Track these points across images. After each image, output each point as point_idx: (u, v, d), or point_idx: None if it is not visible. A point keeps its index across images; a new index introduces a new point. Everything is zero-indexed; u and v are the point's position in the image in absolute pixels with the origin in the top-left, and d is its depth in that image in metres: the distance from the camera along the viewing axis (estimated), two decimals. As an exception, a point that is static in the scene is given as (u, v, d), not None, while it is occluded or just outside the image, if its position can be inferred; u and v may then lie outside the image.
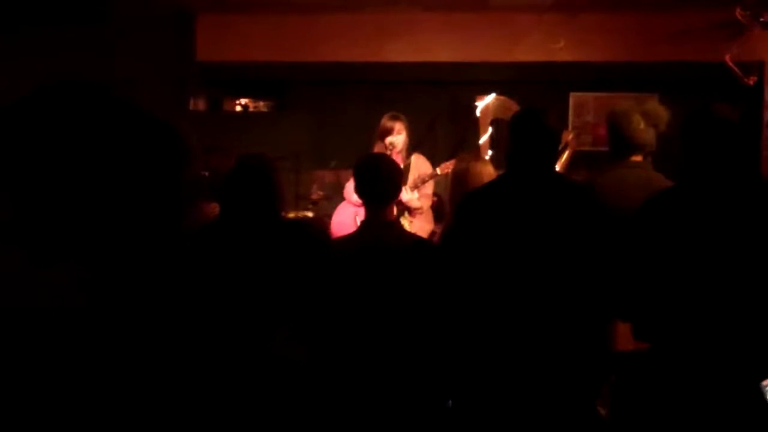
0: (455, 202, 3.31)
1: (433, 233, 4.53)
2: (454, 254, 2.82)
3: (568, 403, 2.65)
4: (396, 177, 2.95)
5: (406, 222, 4.64)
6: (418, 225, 4.65)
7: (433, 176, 4.67)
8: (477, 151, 5.03)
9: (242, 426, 2.34)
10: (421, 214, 4.69)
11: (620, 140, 3.36)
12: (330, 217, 5.00)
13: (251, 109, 6.55)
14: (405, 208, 4.67)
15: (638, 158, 3.34)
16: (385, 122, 4.67)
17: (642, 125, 3.32)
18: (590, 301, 2.69)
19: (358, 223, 3.10)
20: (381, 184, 2.88)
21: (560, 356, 2.66)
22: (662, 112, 3.40)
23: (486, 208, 2.81)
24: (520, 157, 2.80)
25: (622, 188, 3.19)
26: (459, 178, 3.78)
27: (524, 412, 2.67)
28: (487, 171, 3.70)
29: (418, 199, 4.67)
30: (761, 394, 2.42)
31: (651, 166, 3.37)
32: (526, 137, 2.78)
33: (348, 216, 4.71)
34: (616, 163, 3.37)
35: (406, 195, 4.57)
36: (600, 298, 2.71)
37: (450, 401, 2.89)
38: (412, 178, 4.71)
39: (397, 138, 4.63)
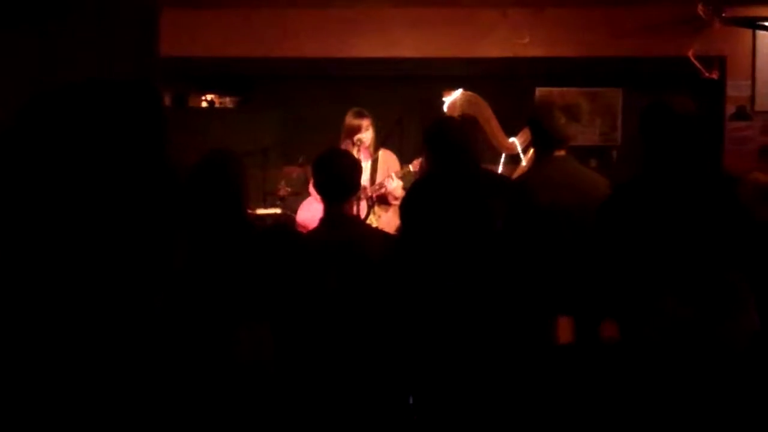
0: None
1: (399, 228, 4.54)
2: (402, 253, 2.87)
3: (516, 395, 2.68)
4: (354, 173, 2.97)
5: (374, 217, 4.64)
6: (387, 219, 4.65)
7: (406, 171, 4.67)
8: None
9: (210, 420, 2.32)
10: (396, 205, 4.67)
11: (543, 136, 3.39)
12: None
13: (217, 105, 6.49)
14: (378, 200, 4.67)
15: (561, 153, 3.37)
16: (351, 120, 4.66)
17: (563, 120, 3.36)
18: (525, 296, 2.73)
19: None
20: (339, 180, 2.90)
21: (505, 350, 2.69)
22: (582, 106, 3.46)
23: (418, 206, 2.88)
24: (440, 161, 3.07)
25: (551, 184, 3.23)
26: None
27: (478, 405, 2.69)
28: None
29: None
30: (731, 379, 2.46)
31: (574, 159, 3.41)
32: (442, 145, 3.04)
33: (315, 211, 4.69)
34: (541, 159, 3.40)
35: (392, 183, 4.57)
36: (538, 292, 2.75)
37: (411, 397, 2.90)
38: (381, 173, 4.71)
39: (366, 134, 4.64)
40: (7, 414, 1.20)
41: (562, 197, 3.06)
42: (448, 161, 3.03)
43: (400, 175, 4.66)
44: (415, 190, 3.05)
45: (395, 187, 4.61)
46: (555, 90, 6.05)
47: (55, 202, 1.24)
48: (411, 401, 2.92)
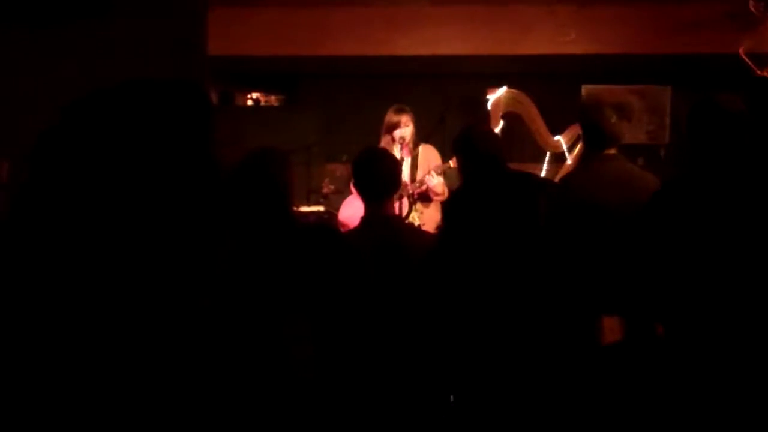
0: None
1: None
2: (445, 253, 2.87)
3: (562, 396, 2.66)
4: (395, 171, 2.97)
5: (416, 213, 4.64)
6: (429, 215, 4.64)
7: (446, 168, 4.66)
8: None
9: (250, 420, 2.34)
10: (441, 200, 4.66)
11: (594, 134, 3.36)
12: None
13: (262, 103, 6.55)
14: (420, 197, 4.67)
15: (612, 151, 3.34)
16: (392, 116, 4.67)
17: (614, 118, 3.32)
18: (575, 296, 2.70)
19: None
20: (380, 179, 2.90)
21: (551, 351, 2.66)
22: (634, 105, 3.43)
23: (461, 211, 2.88)
24: (471, 167, 3.20)
25: (601, 182, 3.20)
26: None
27: (521, 405, 2.67)
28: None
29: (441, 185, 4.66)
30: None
31: (624, 157, 3.38)
32: (470, 152, 3.17)
33: (357, 209, 4.71)
34: (591, 157, 3.37)
35: (433, 180, 4.57)
36: (587, 293, 2.72)
37: (452, 396, 2.90)
38: (421, 168, 4.70)
39: (406, 130, 4.64)
40: (45, 411, 1.22)
41: (611, 196, 3.04)
42: (479, 167, 3.08)
43: (440, 171, 4.64)
44: (455, 198, 3.07)
45: (436, 183, 4.60)
46: (602, 87, 5.97)
47: (100, 200, 1.26)
48: (452, 400, 2.92)
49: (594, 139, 3.37)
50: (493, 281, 2.71)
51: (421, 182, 4.61)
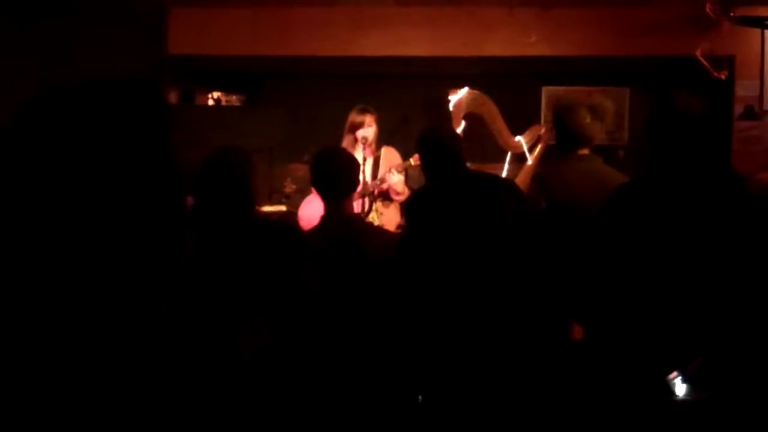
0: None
1: (401, 226, 4.52)
2: (409, 253, 2.88)
3: (531, 393, 2.67)
4: (352, 170, 2.99)
5: (376, 214, 4.63)
6: (389, 216, 4.64)
7: (407, 166, 4.66)
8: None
9: (212, 417, 2.32)
10: (401, 200, 4.67)
11: (567, 134, 3.40)
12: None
13: (224, 103, 6.50)
14: (380, 196, 4.66)
15: (585, 151, 3.38)
16: (355, 116, 4.67)
17: (588, 119, 3.36)
18: (543, 296, 2.72)
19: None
20: (337, 177, 2.92)
21: (518, 350, 2.68)
22: (608, 106, 3.46)
23: (425, 211, 2.91)
24: (434, 168, 3.28)
25: (571, 182, 3.24)
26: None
27: (489, 404, 2.68)
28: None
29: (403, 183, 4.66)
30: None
31: (598, 158, 3.42)
32: (433, 153, 3.26)
33: (317, 209, 4.69)
34: (564, 157, 3.41)
35: (393, 177, 4.56)
36: (554, 293, 2.75)
37: (420, 396, 2.89)
38: (382, 170, 4.70)
39: (369, 130, 4.64)
40: (4, 421, 1.21)
41: (584, 196, 3.06)
42: (441, 168, 3.13)
43: (400, 169, 4.65)
44: (418, 197, 3.06)
45: (396, 181, 4.60)
46: (562, 89, 6.04)
47: (55, 202, 1.24)
48: (420, 400, 2.91)
49: (567, 140, 3.40)
50: (459, 281, 2.72)
51: (382, 180, 4.61)
